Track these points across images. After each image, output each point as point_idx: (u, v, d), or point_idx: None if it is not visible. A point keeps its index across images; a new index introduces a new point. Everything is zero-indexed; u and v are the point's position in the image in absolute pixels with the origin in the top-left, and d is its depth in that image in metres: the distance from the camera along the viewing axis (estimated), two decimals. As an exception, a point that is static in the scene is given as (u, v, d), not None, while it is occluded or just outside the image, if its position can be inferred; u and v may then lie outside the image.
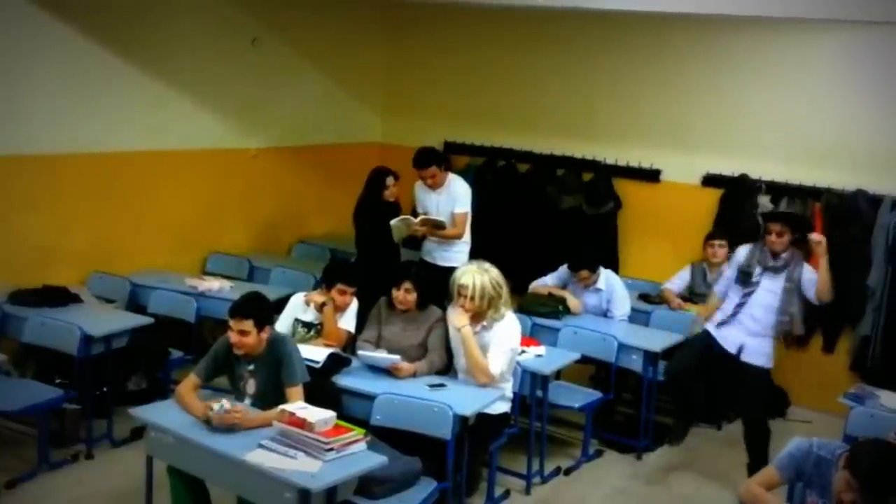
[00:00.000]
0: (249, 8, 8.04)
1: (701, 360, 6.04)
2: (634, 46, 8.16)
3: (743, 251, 6.03)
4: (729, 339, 5.94)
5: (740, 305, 5.91)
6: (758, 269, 5.88)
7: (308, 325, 5.74)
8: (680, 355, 6.16)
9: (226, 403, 4.52)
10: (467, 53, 9.06)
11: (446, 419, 4.89)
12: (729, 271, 6.14)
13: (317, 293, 5.78)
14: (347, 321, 5.73)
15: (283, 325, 5.67)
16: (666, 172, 8.13)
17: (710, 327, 6.04)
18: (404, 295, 5.61)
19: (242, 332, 4.74)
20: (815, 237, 5.77)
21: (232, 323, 4.76)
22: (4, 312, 6.20)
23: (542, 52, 8.66)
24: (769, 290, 5.85)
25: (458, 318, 5.32)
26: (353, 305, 5.76)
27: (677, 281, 7.23)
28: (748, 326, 5.89)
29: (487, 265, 5.48)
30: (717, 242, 7.09)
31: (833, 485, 3.69)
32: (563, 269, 6.99)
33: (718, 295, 6.21)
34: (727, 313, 5.97)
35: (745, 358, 5.90)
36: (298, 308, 5.80)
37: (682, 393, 6.15)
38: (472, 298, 5.35)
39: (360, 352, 5.49)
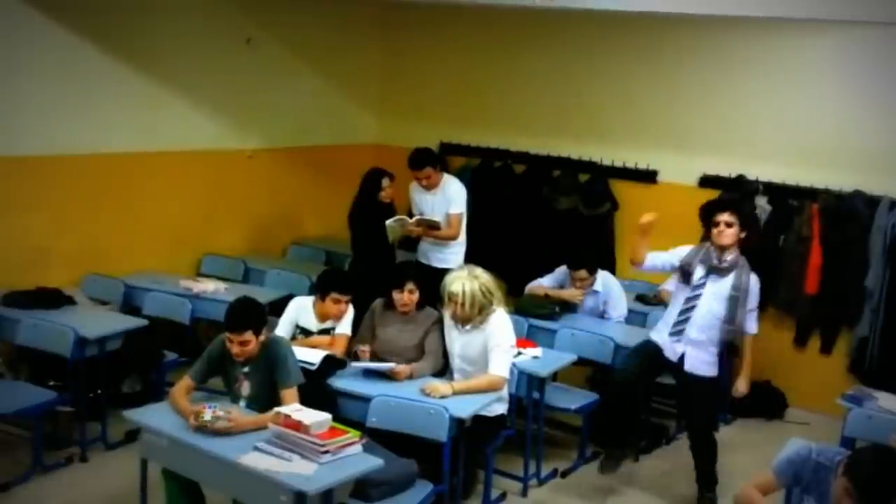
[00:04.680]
0: (244, 8, 8.02)
1: (649, 368, 5.78)
2: (631, 47, 8.15)
3: (686, 248, 5.69)
4: (669, 346, 5.64)
5: (685, 315, 5.56)
6: (701, 271, 5.53)
7: (308, 332, 5.72)
8: (627, 365, 5.85)
9: (217, 410, 4.48)
10: (463, 54, 9.05)
11: (442, 421, 4.87)
12: (667, 254, 5.74)
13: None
14: (344, 327, 5.70)
15: (282, 330, 5.65)
16: (663, 173, 8.12)
17: (654, 335, 5.76)
18: (408, 296, 5.60)
19: (243, 343, 4.72)
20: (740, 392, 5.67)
21: (232, 336, 4.73)
22: (-2, 314, 6.18)
23: (538, 52, 8.65)
24: (714, 294, 5.49)
25: (443, 389, 5.17)
26: (350, 311, 5.73)
27: (674, 282, 7.19)
28: (689, 336, 5.56)
29: (478, 271, 5.44)
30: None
31: (831, 492, 3.65)
32: (560, 271, 6.96)
33: (646, 264, 5.87)
34: (670, 322, 5.64)
35: (687, 367, 5.58)
36: (299, 314, 5.78)
37: (625, 408, 5.83)
38: (463, 305, 5.33)
39: (355, 364, 5.43)
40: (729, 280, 5.49)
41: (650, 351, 5.72)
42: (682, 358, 5.60)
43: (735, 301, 5.46)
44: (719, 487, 5.77)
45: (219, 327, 4.95)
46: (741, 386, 5.68)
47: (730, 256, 5.50)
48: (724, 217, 5.48)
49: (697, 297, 5.55)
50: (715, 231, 5.52)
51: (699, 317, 5.53)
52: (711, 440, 5.71)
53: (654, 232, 7.43)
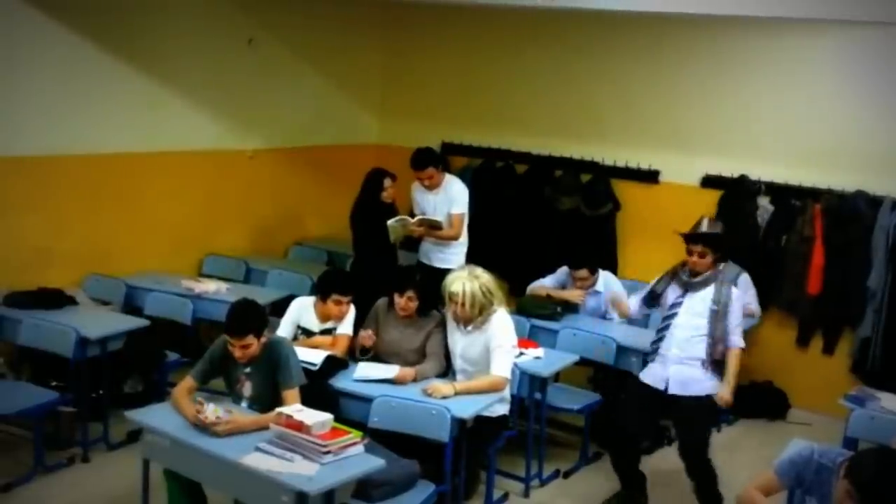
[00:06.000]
0: (245, 8, 8.02)
1: (643, 412, 5.59)
2: (633, 47, 8.14)
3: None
4: (654, 374, 5.53)
5: (661, 334, 5.51)
6: (677, 290, 5.49)
7: (309, 333, 5.71)
8: (623, 417, 5.63)
9: (218, 409, 4.48)
10: (465, 54, 9.04)
11: (444, 422, 4.87)
12: (644, 292, 5.76)
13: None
14: (346, 327, 5.70)
15: (284, 330, 5.64)
16: (665, 173, 8.12)
17: (643, 375, 5.61)
18: (406, 302, 5.58)
19: (244, 347, 4.72)
20: (724, 401, 5.40)
21: (233, 341, 4.73)
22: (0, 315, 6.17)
23: (539, 52, 8.64)
24: (693, 311, 5.41)
25: (445, 390, 5.17)
26: (351, 312, 5.73)
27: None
28: (669, 355, 5.46)
29: (479, 271, 5.45)
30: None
31: (833, 494, 3.65)
32: (562, 271, 6.96)
33: (632, 311, 5.84)
34: (655, 351, 5.54)
35: (672, 390, 5.43)
36: (300, 314, 5.77)
37: (629, 461, 5.67)
38: (463, 305, 5.34)
39: (358, 375, 5.38)
40: (708, 293, 5.42)
41: (639, 395, 5.59)
42: (667, 384, 5.47)
43: (716, 316, 5.38)
44: (723, 486, 5.75)
45: (220, 328, 4.94)
46: (724, 395, 5.41)
47: (705, 272, 5.46)
48: (698, 249, 5.44)
49: (673, 315, 5.48)
50: (689, 259, 5.48)
51: (678, 334, 5.44)
52: (706, 464, 5.49)
53: (656, 233, 7.43)
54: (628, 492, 5.75)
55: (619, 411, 5.76)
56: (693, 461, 5.47)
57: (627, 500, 5.74)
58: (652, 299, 5.64)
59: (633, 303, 5.88)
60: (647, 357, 5.67)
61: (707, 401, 5.45)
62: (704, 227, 5.54)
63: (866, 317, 7.16)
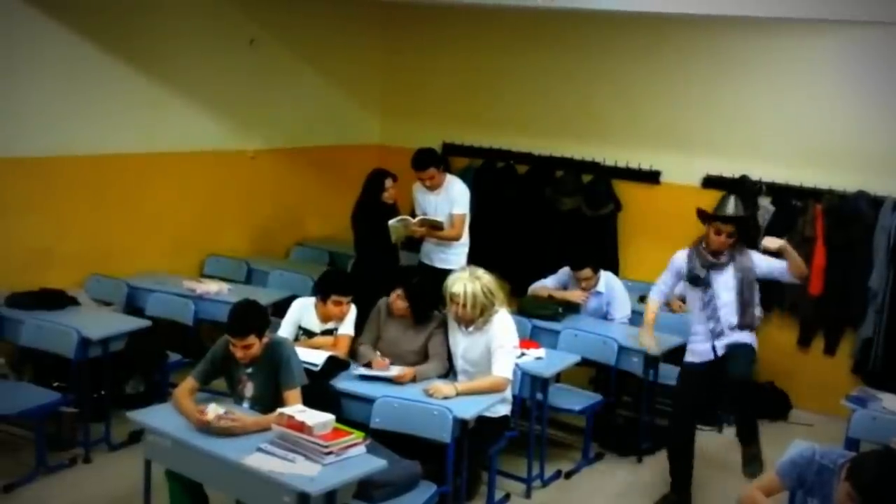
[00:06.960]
0: (247, 9, 8.02)
1: (699, 400, 5.76)
2: (634, 47, 8.14)
3: (681, 255, 5.70)
4: (701, 351, 5.62)
5: (713, 315, 5.54)
6: (703, 271, 5.56)
7: (310, 333, 5.71)
8: (677, 410, 5.80)
9: (220, 409, 4.49)
10: (466, 54, 9.04)
11: (446, 422, 4.87)
12: (668, 277, 5.82)
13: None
14: (347, 327, 5.70)
15: (285, 331, 5.64)
16: (665, 174, 8.11)
17: (691, 357, 5.69)
18: (396, 300, 5.61)
19: (246, 347, 4.73)
20: (773, 245, 5.40)
21: (235, 341, 4.73)
22: (1, 315, 6.18)
23: (540, 53, 8.64)
24: (724, 287, 5.52)
25: (446, 390, 5.18)
26: (352, 312, 5.73)
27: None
28: (719, 330, 5.56)
29: (480, 272, 5.45)
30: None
31: (834, 496, 3.65)
32: (563, 272, 6.96)
33: (659, 298, 5.88)
34: (703, 331, 5.60)
35: (721, 353, 5.55)
36: (302, 315, 5.77)
37: (687, 461, 5.75)
38: (464, 306, 5.34)
39: (357, 372, 5.41)
40: (730, 269, 5.52)
41: (695, 381, 5.66)
42: (714, 351, 5.57)
43: (744, 283, 5.50)
44: (724, 486, 5.76)
45: (222, 328, 4.95)
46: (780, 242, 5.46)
47: (725, 252, 5.54)
48: (728, 229, 5.50)
49: (711, 295, 5.56)
50: (715, 238, 5.53)
51: (721, 309, 5.53)
52: (752, 384, 5.66)
53: (657, 233, 7.43)
54: (679, 495, 5.76)
55: (675, 406, 5.86)
56: (741, 385, 5.55)
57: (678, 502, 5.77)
58: (695, 281, 5.59)
59: (656, 298, 5.93)
60: (716, 337, 5.61)
61: (749, 346, 5.59)
62: (731, 207, 5.65)
63: (868, 317, 7.16)
